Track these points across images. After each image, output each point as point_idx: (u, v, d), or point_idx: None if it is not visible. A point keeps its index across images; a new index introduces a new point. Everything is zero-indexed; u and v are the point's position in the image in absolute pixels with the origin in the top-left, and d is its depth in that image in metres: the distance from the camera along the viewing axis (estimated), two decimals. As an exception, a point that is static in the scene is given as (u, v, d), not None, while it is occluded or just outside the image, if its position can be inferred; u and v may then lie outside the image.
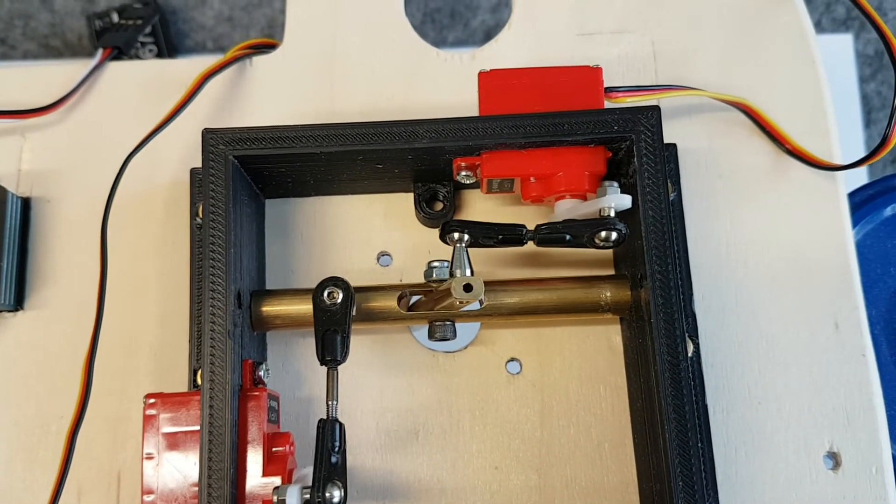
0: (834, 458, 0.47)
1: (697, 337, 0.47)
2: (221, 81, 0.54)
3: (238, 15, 1.21)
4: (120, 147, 0.51)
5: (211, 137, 0.45)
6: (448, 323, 0.47)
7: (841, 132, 0.53)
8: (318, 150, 0.45)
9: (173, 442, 0.43)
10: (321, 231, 0.52)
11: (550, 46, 0.55)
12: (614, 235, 0.45)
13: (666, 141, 0.45)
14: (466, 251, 0.45)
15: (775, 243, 0.51)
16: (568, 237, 0.45)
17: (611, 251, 0.51)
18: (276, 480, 0.42)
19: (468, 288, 0.43)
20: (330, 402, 0.42)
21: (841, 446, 0.47)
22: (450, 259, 0.45)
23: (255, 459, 0.43)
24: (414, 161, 0.47)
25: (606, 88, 0.48)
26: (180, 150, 0.53)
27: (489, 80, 0.48)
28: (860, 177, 0.99)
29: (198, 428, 0.43)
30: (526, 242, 0.46)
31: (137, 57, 1.10)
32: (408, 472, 0.48)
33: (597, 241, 0.45)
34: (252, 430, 0.43)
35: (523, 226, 0.46)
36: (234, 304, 0.44)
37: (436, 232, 0.49)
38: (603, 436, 0.48)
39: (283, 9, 1.21)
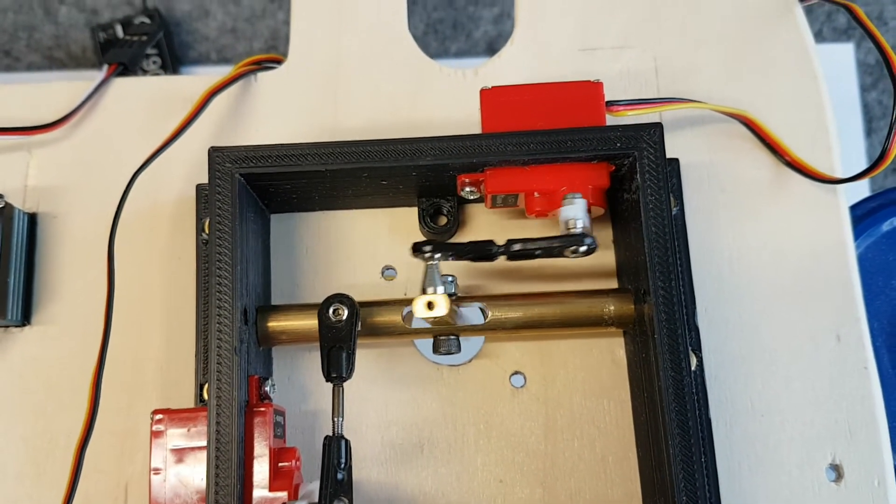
0: (836, 471, 0.48)
1: (700, 351, 0.47)
2: (226, 98, 0.55)
3: (241, 26, 1.22)
4: (125, 163, 0.52)
5: (217, 156, 0.46)
6: (452, 337, 0.48)
7: (842, 142, 0.54)
8: (323, 167, 0.46)
9: (180, 457, 0.43)
10: (326, 245, 0.52)
11: (552, 62, 0.56)
12: (583, 249, 0.46)
13: (668, 156, 0.46)
14: (437, 269, 0.46)
15: (777, 257, 0.51)
16: (538, 252, 0.46)
17: (614, 263, 0.51)
18: (283, 495, 0.43)
19: (430, 306, 0.45)
20: (336, 419, 0.43)
21: (843, 459, 0.48)
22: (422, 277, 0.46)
23: (261, 474, 0.43)
24: (418, 177, 0.48)
25: (608, 102, 0.49)
26: (185, 166, 0.54)
27: (491, 97, 0.48)
28: (861, 189, 0.99)
29: (205, 443, 0.43)
30: (496, 259, 0.47)
31: (141, 69, 1.10)
32: (413, 485, 0.49)
33: (568, 254, 0.46)
34: (258, 445, 0.44)
35: (492, 242, 0.46)
36: (241, 321, 0.44)
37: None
38: (607, 449, 0.49)
39: (286, 20, 1.22)
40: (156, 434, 0.44)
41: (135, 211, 0.52)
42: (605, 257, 0.51)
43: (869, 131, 1.16)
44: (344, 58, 0.56)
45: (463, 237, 0.52)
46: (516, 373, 0.50)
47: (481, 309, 0.47)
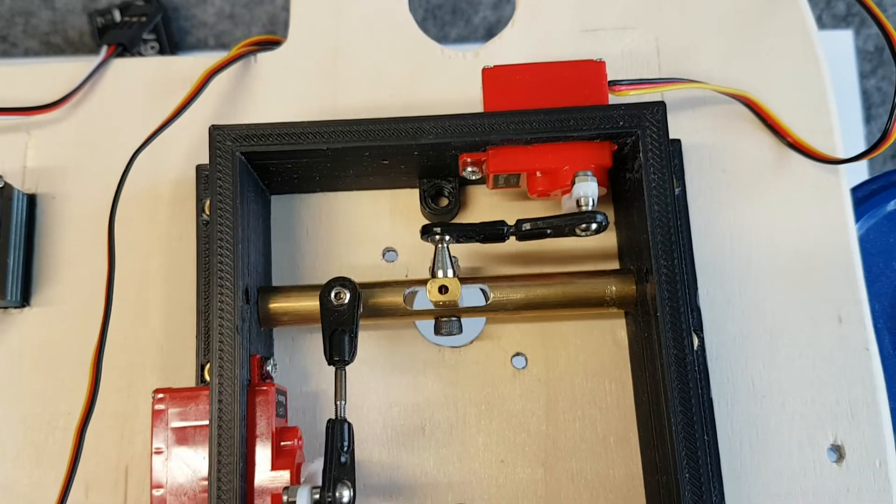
0: (838, 451, 0.48)
1: (702, 331, 0.47)
2: (226, 78, 0.55)
3: (239, 12, 1.21)
4: (125, 144, 0.52)
5: (218, 134, 0.45)
6: (454, 318, 0.47)
7: (841, 128, 0.53)
8: (324, 146, 0.45)
9: (182, 437, 0.43)
10: (327, 227, 0.52)
11: (554, 43, 0.55)
12: (594, 226, 0.45)
13: (670, 136, 0.46)
14: (448, 251, 0.46)
15: (779, 238, 0.51)
16: (549, 231, 0.46)
17: (615, 245, 0.51)
18: (285, 474, 0.42)
19: (443, 290, 0.44)
20: (338, 402, 0.43)
21: (844, 439, 0.48)
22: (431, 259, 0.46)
23: (263, 454, 0.43)
24: (420, 157, 0.48)
25: (610, 82, 0.48)
26: (185, 147, 0.53)
27: (493, 77, 0.48)
28: (860, 172, 0.99)
29: (206, 423, 0.43)
30: (507, 239, 0.46)
31: (139, 54, 1.10)
32: (414, 466, 0.49)
33: (578, 232, 0.46)
34: (260, 424, 0.43)
35: (503, 222, 0.46)
36: (242, 300, 0.44)
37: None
38: (608, 429, 0.49)
39: (284, 5, 1.21)
40: (157, 413, 0.44)
41: (134, 192, 0.52)
42: (607, 239, 0.51)
43: (868, 118, 1.16)
44: (344, 38, 0.56)
45: (464, 219, 0.52)
46: (518, 354, 0.50)
47: (483, 290, 0.47)
